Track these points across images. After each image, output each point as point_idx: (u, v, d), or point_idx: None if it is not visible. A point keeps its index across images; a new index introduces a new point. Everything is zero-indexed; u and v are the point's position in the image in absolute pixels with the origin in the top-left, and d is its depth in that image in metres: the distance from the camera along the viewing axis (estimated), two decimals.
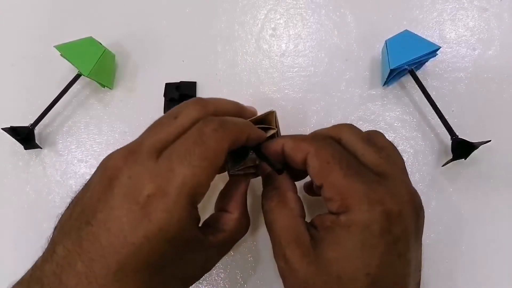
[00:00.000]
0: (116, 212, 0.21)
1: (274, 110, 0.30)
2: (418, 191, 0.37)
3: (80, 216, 0.22)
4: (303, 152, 0.25)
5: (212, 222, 0.28)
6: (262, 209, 0.27)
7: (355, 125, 0.27)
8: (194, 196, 0.22)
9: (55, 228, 0.24)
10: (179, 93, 0.40)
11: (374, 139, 0.27)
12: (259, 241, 0.37)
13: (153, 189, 0.21)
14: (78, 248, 0.21)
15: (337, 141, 0.26)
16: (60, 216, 0.24)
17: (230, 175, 0.30)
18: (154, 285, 0.22)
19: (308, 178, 0.29)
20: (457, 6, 0.42)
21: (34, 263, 0.23)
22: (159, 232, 0.21)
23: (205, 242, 0.24)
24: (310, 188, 0.33)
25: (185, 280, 0.25)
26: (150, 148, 0.23)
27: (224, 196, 0.29)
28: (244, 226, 0.28)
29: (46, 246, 0.23)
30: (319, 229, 0.24)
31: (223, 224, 0.27)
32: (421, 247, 0.25)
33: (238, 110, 0.29)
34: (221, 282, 0.36)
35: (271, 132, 0.29)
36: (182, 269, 0.24)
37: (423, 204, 0.36)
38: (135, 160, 0.23)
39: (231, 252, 0.37)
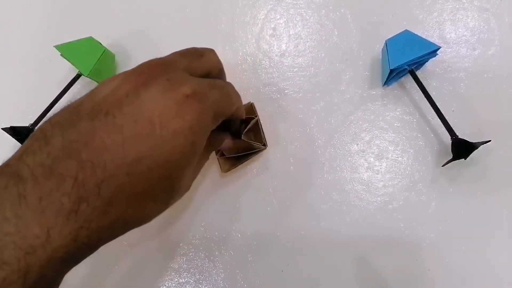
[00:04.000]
0: (149, 106, 0.21)
1: (252, 101, 0.38)
2: (418, 191, 0.37)
3: (95, 109, 0.21)
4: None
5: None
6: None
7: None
8: (217, 116, 0.25)
9: (43, 126, 0.22)
10: None
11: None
12: (259, 241, 0.37)
13: (191, 91, 0.23)
14: (88, 138, 0.20)
15: None
16: (51, 116, 0.22)
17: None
18: (165, 186, 0.23)
19: None
20: (457, 6, 0.42)
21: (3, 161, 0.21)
22: (188, 131, 0.22)
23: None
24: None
25: (185, 189, 0.27)
26: (185, 68, 0.25)
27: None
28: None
29: (20, 150, 0.21)
30: None
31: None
32: None
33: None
34: (221, 282, 0.36)
35: (254, 120, 0.36)
36: (191, 174, 0.27)
37: (423, 204, 0.36)
38: (174, 70, 0.24)
39: (231, 252, 0.37)
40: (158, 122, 0.21)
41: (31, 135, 0.21)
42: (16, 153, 0.21)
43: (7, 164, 0.21)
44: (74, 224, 0.20)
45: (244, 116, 0.32)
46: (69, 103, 0.23)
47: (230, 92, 0.27)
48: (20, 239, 0.19)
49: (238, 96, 0.29)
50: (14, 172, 0.20)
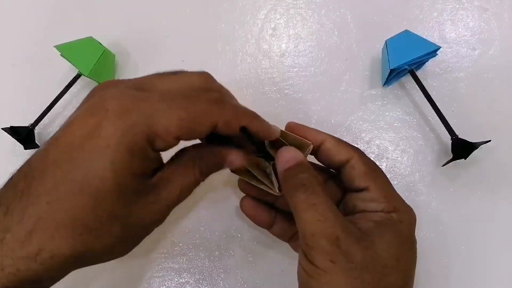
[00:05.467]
0: (71, 128, 0.22)
1: (312, 144, 0.28)
2: (418, 191, 0.37)
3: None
4: (347, 155, 0.27)
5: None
6: (291, 207, 0.25)
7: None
8: (155, 133, 0.21)
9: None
10: None
11: None
12: (259, 241, 0.37)
13: (111, 107, 0.21)
14: (25, 166, 0.23)
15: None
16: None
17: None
18: (100, 216, 0.21)
19: None
20: (457, 6, 0.42)
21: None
22: (105, 149, 0.20)
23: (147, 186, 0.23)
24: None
25: (150, 219, 0.24)
26: (136, 85, 0.24)
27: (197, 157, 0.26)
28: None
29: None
30: (364, 222, 0.25)
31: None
32: None
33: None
34: (221, 282, 0.36)
35: (306, 150, 0.28)
36: (154, 200, 0.24)
37: (423, 204, 0.36)
38: (114, 87, 0.23)
39: (231, 252, 0.37)
40: (77, 143, 0.21)
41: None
42: None
43: None
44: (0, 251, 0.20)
45: (258, 133, 0.26)
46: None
47: (201, 104, 0.23)
48: None
49: (226, 108, 0.24)
50: None
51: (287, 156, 0.27)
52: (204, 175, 0.26)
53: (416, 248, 0.27)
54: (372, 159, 0.28)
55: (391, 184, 0.27)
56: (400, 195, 0.27)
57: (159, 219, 0.25)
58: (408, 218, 0.26)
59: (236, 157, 0.27)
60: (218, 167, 0.27)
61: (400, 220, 0.26)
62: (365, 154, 0.28)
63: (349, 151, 0.28)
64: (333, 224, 0.23)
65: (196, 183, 0.25)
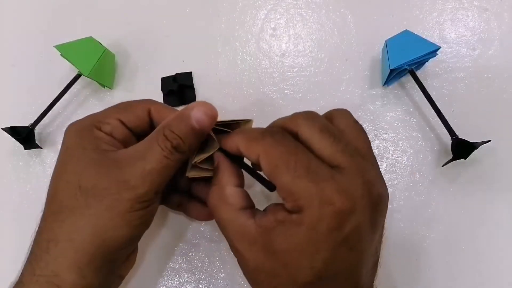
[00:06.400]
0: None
1: (252, 119, 0.29)
2: (418, 191, 0.37)
3: None
4: (255, 154, 0.25)
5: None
6: (209, 206, 0.28)
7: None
8: (98, 122, 0.28)
9: None
10: (178, 84, 0.40)
11: (336, 122, 0.27)
12: None
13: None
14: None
15: (294, 134, 0.25)
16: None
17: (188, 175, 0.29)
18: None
19: None
20: (457, 6, 0.42)
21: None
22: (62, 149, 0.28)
23: None
24: None
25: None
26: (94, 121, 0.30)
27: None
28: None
29: None
30: (270, 218, 0.24)
31: None
32: (380, 231, 0.25)
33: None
34: (221, 282, 0.36)
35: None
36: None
37: (423, 204, 0.36)
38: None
39: (231, 252, 0.37)
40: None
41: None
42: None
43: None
44: None
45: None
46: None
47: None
48: None
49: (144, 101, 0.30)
50: None
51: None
52: (174, 145, 0.25)
53: (350, 246, 0.23)
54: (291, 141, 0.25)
55: (304, 175, 0.23)
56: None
57: (139, 193, 0.25)
58: (311, 219, 0.22)
59: (198, 109, 0.26)
60: (187, 132, 0.26)
61: (298, 222, 0.23)
62: (277, 144, 0.24)
63: (256, 149, 0.25)
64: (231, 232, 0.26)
65: (167, 154, 0.25)
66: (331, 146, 0.24)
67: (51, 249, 0.25)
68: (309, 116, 0.26)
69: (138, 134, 0.30)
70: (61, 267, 0.24)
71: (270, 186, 0.25)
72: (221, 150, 0.28)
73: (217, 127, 0.28)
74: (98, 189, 0.25)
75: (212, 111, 0.26)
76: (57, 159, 0.27)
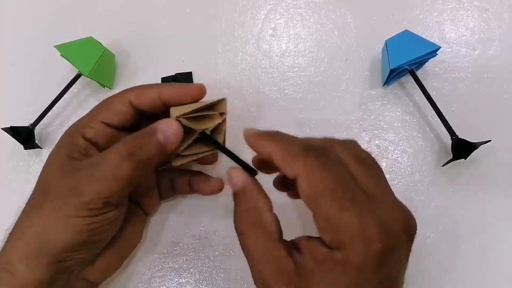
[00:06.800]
0: None
1: (225, 97, 0.29)
2: (418, 191, 0.37)
3: None
4: (294, 172, 0.22)
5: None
6: (235, 230, 0.25)
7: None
8: (83, 128, 0.30)
9: None
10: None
11: (356, 152, 0.25)
12: None
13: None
14: None
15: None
16: None
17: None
18: None
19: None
20: (457, 6, 0.42)
21: None
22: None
23: None
24: (283, 185, 0.30)
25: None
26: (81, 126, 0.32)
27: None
28: None
29: None
30: (306, 258, 0.22)
31: None
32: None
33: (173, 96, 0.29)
34: (221, 282, 0.36)
35: (217, 121, 0.29)
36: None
37: (423, 204, 0.36)
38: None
39: (231, 252, 0.37)
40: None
41: None
42: None
43: None
44: None
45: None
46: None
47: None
48: None
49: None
50: None
51: (235, 178, 0.25)
52: (134, 155, 0.26)
53: (391, 284, 0.22)
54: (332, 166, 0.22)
55: (349, 207, 0.21)
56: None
57: (84, 200, 0.26)
58: (358, 258, 0.20)
59: (165, 124, 0.26)
60: (150, 144, 0.26)
61: (343, 262, 0.20)
62: (320, 167, 0.22)
63: (295, 167, 0.22)
64: (267, 267, 0.22)
65: (128, 163, 0.25)
66: (366, 175, 0.22)
67: (8, 239, 0.27)
68: (344, 142, 0.25)
69: (128, 127, 0.31)
70: (13, 256, 0.26)
71: (252, 171, 0.25)
72: (204, 134, 0.28)
73: (192, 114, 0.28)
74: (52, 192, 0.27)
75: (178, 130, 0.27)
76: None
